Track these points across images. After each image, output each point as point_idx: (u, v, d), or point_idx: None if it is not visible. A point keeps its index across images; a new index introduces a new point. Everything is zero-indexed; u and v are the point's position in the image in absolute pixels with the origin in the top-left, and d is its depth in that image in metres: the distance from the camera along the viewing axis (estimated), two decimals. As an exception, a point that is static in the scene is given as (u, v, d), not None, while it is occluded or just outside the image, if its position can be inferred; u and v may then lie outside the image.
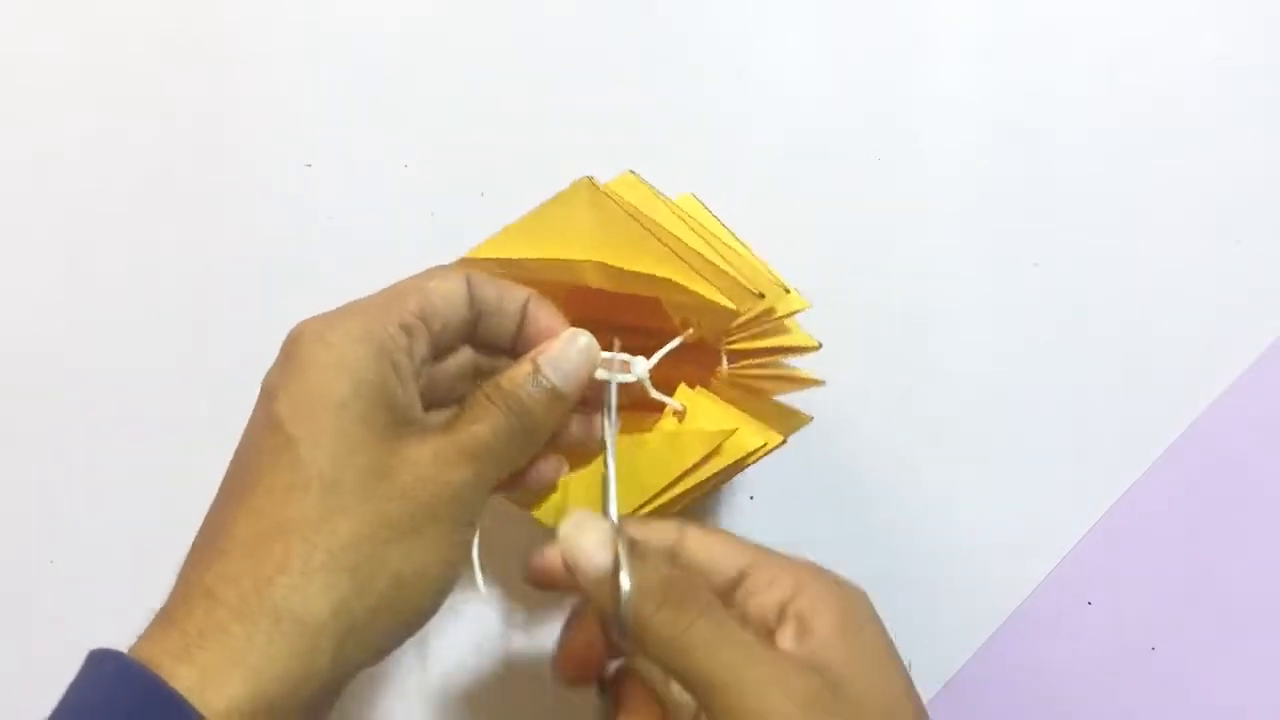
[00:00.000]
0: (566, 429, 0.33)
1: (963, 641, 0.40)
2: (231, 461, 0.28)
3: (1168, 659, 0.40)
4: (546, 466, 0.33)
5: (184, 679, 0.23)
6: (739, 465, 0.34)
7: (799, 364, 0.38)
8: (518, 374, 0.30)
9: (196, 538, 0.27)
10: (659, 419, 0.35)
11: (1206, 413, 0.42)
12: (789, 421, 0.38)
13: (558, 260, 0.33)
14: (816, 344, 0.37)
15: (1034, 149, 0.43)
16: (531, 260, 0.33)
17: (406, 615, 0.27)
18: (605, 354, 0.32)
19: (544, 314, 0.32)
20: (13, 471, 0.40)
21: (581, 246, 0.33)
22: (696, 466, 0.33)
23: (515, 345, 0.32)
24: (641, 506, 0.33)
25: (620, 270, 0.32)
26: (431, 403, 0.31)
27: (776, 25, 0.44)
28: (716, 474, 0.34)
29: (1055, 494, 0.41)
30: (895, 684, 0.27)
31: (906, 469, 0.41)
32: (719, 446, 0.33)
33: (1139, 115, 0.44)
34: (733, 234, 0.37)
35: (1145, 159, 0.44)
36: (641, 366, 0.33)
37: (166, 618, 0.25)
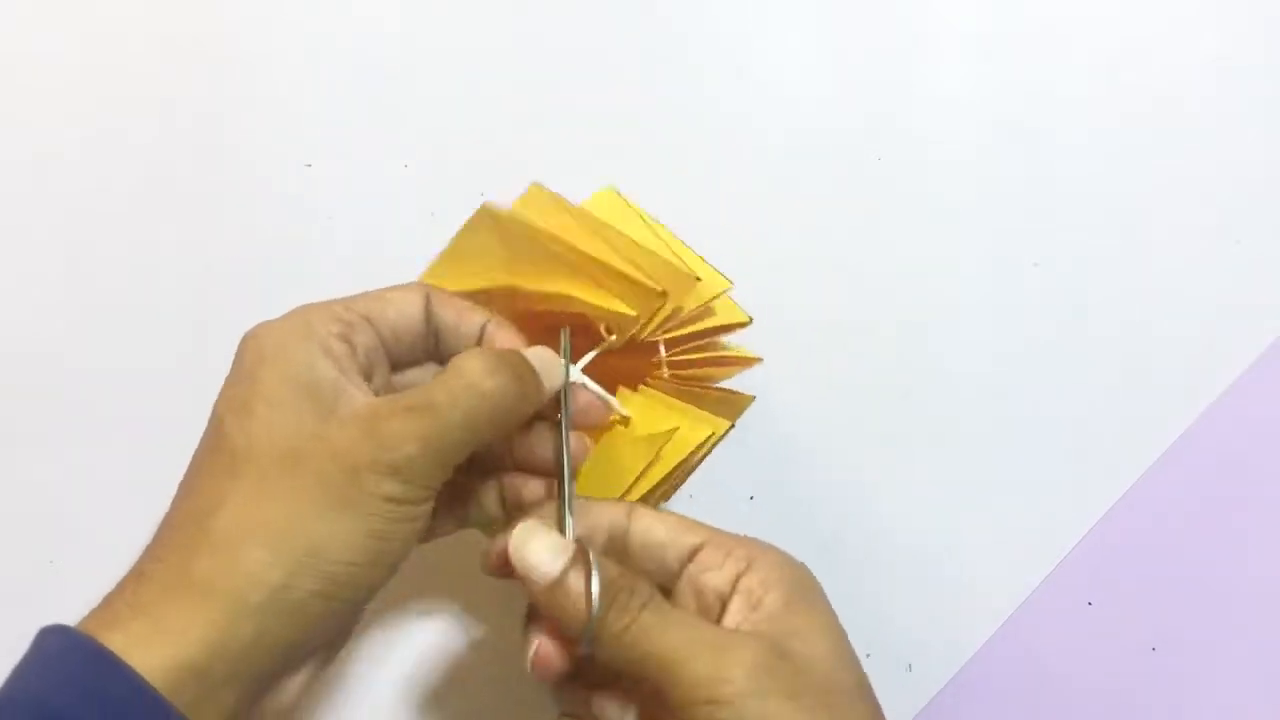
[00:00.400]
0: (522, 440, 0.33)
1: (963, 641, 0.40)
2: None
3: (1168, 659, 0.40)
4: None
5: (114, 643, 0.25)
6: (691, 459, 0.34)
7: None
8: (477, 364, 0.29)
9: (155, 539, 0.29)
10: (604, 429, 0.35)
11: (1206, 413, 0.42)
12: (733, 405, 0.38)
13: (476, 291, 0.33)
14: (747, 319, 0.37)
15: (1034, 149, 0.43)
16: (454, 294, 0.33)
17: (330, 588, 0.27)
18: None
19: (503, 335, 0.32)
20: (13, 472, 0.40)
21: (494, 273, 0.33)
22: (644, 473, 0.33)
23: None
24: None
25: (530, 292, 0.33)
26: None
27: (776, 25, 0.44)
28: (671, 473, 0.34)
29: (1055, 494, 0.41)
30: (840, 653, 0.29)
31: (905, 469, 0.41)
32: (660, 450, 0.33)
33: (1139, 115, 0.44)
34: (651, 224, 0.37)
35: (1145, 159, 0.44)
36: (573, 372, 0.33)
37: (106, 600, 0.27)
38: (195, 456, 0.29)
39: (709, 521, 0.40)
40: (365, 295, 0.31)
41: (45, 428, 0.41)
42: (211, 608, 0.26)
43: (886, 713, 0.40)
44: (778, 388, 0.41)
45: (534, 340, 0.33)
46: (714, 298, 0.36)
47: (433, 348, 0.33)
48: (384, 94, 0.43)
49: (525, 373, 0.30)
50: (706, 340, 0.37)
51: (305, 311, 0.30)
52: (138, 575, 0.27)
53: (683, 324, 0.35)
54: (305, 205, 0.42)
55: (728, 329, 0.38)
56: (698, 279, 0.35)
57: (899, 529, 0.40)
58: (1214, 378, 0.42)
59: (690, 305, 0.35)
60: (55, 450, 0.41)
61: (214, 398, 0.30)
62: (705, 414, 0.35)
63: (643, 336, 0.34)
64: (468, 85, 0.43)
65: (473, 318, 0.32)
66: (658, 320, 0.34)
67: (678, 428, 0.34)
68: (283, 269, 0.42)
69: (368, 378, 0.30)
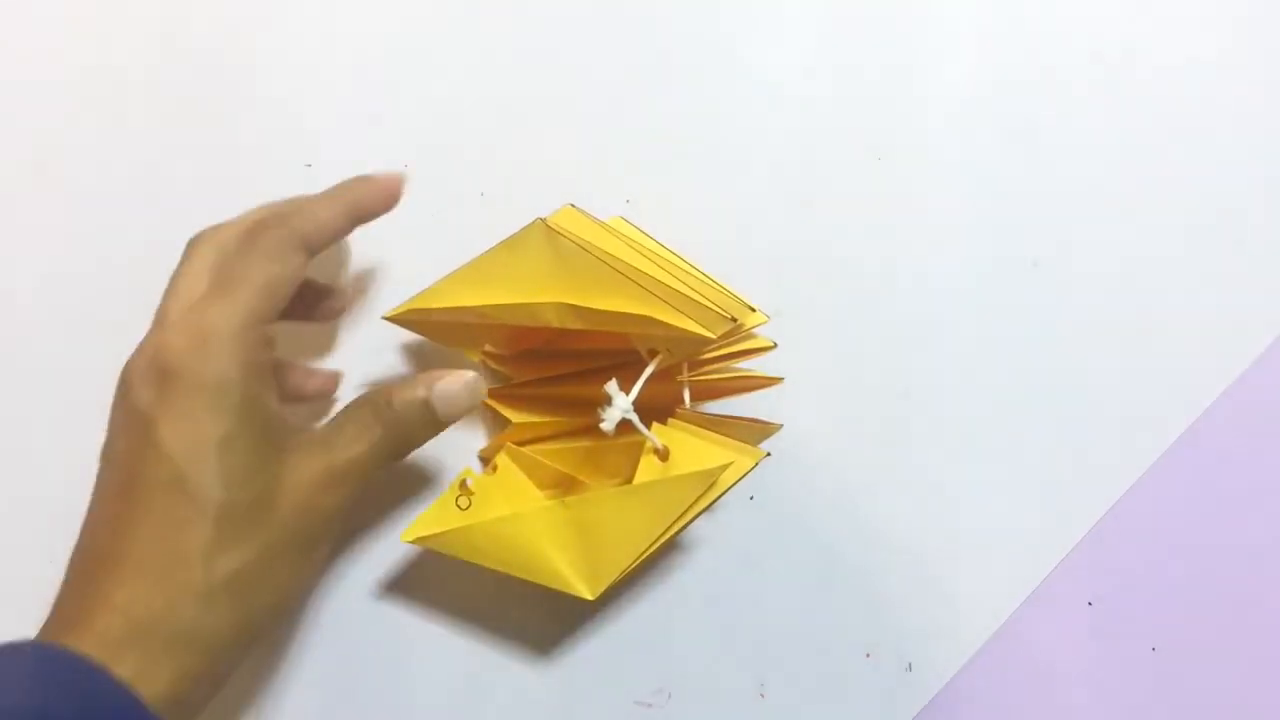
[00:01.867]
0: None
1: (963, 641, 0.40)
2: (111, 478, 0.30)
3: (1168, 659, 0.40)
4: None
5: (127, 665, 0.26)
6: (724, 491, 0.34)
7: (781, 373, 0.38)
8: (409, 398, 0.32)
9: (82, 553, 0.30)
10: (634, 457, 0.34)
11: (1207, 413, 0.42)
12: (762, 433, 0.38)
13: (517, 305, 0.33)
14: (772, 344, 0.37)
15: (1034, 149, 0.43)
16: (489, 306, 0.33)
17: (279, 618, 0.31)
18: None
19: (371, 191, 0.35)
20: (13, 472, 0.40)
21: (542, 289, 0.33)
22: (691, 506, 0.33)
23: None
24: (640, 556, 0.34)
25: (591, 310, 0.32)
26: None
27: (776, 25, 0.44)
28: (709, 500, 0.34)
29: (1055, 494, 0.41)
30: None
31: (905, 469, 0.41)
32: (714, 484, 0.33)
33: (1139, 115, 0.44)
34: (676, 254, 0.37)
35: (1145, 159, 0.44)
36: (623, 400, 0.33)
37: (80, 624, 0.27)
38: (140, 487, 0.29)
39: (709, 522, 0.40)
40: (259, 284, 0.31)
41: (46, 429, 0.41)
42: (199, 653, 0.28)
43: (887, 713, 0.40)
44: (777, 387, 0.41)
45: (525, 347, 0.34)
46: (756, 326, 0.36)
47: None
48: (384, 94, 0.43)
49: (403, 427, 0.32)
50: (726, 364, 0.37)
51: (236, 341, 0.30)
52: (119, 613, 0.27)
53: (716, 348, 0.35)
54: (305, 205, 0.42)
55: (754, 353, 0.38)
56: (752, 308, 0.35)
57: (899, 529, 0.40)
58: (1214, 378, 0.42)
59: (747, 328, 0.35)
60: (56, 451, 0.41)
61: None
62: (743, 445, 0.35)
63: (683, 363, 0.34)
64: (468, 85, 0.43)
65: (337, 223, 0.34)
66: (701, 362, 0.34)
67: (731, 463, 0.34)
68: (283, 269, 0.42)
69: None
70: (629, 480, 0.34)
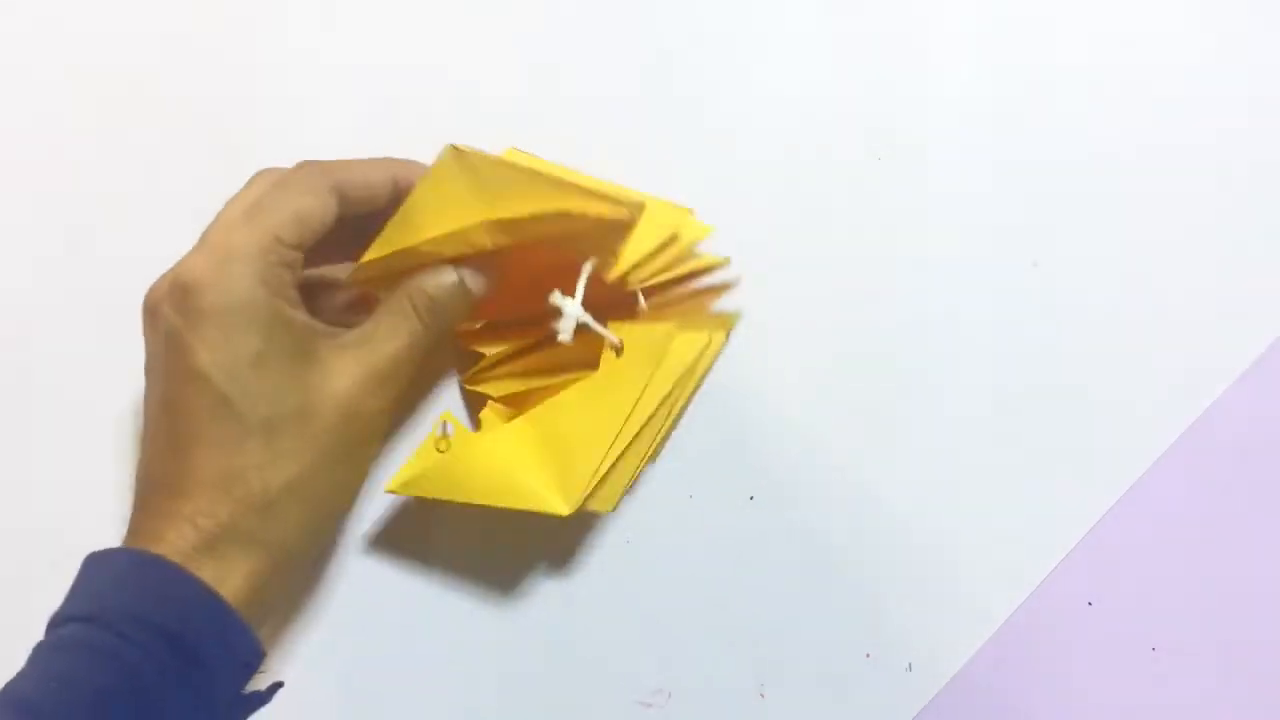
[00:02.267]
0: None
1: (963, 641, 0.40)
2: (157, 399, 0.31)
3: (1168, 659, 0.40)
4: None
5: (206, 571, 0.29)
6: (694, 373, 0.34)
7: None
8: (442, 280, 0.33)
9: (146, 476, 0.31)
10: (588, 360, 0.35)
11: (1206, 413, 0.42)
12: (722, 322, 0.38)
13: (449, 234, 0.33)
14: (725, 259, 0.37)
15: (1034, 149, 0.43)
16: (424, 242, 0.33)
17: (341, 515, 0.35)
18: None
19: (413, 168, 0.35)
20: (14, 472, 0.40)
21: (467, 213, 0.33)
22: (648, 387, 0.34)
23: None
24: (614, 447, 0.34)
25: (511, 220, 0.32)
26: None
27: (775, 25, 0.44)
28: (673, 391, 0.34)
29: (1055, 494, 0.41)
30: None
31: (905, 469, 0.41)
32: (662, 361, 0.34)
33: (1139, 115, 0.44)
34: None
35: (1145, 159, 0.43)
36: (572, 306, 0.33)
37: (155, 536, 0.29)
38: (186, 413, 0.30)
39: (709, 523, 0.40)
40: (282, 213, 0.32)
41: (47, 429, 0.41)
42: (263, 561, 0.30)
43: (887, 713, 0.40)
44: (777, 387, 0.41)
45: (518, 290, 0.34)
46: (693, 242, 0.36)
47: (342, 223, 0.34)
48: (384, 94, 0.43)
49: (439, 312, 0.33)
50: (683, 285, 0.38)
51: (247, 255, 0.31)
52: (190, 524, 0.29)
53: (662, 271, 0.35)
54: (305, 205, 0.42)
55: (707, 270, 0.38)
56: (690, 211, 0.34)
57: (899, 529, 0.40)
58: (1214, 378, 0.42)
59: (686, 239, 0.35)
60: (57, 452, 0.41)
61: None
62: (700, 325, 0.35)
63: (615, 273, 0.34)
64: (468, 85, 0.43)
65: (378, 176, 0.34)
66: (653, 251, 0.34)
67: (672, 334, 0.34)
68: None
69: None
70: None
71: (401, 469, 0.35)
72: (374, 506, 0.39)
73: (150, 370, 0.32)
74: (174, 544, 0.29)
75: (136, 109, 0.43)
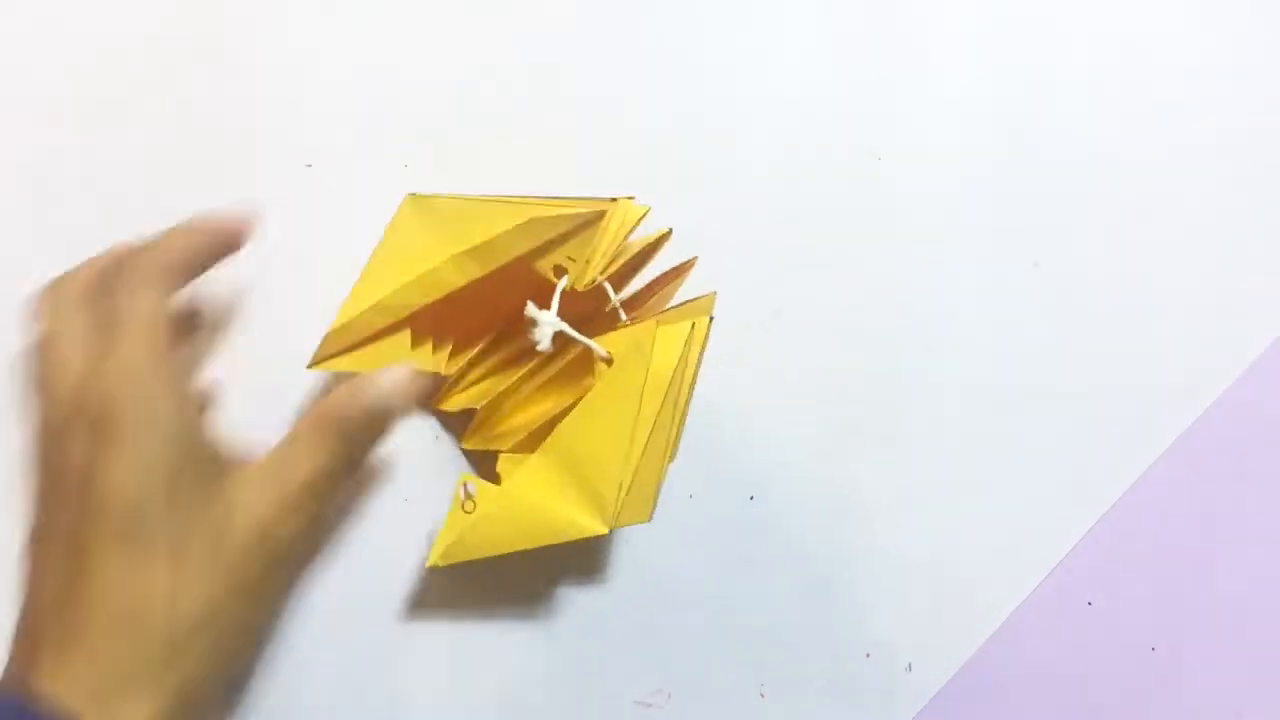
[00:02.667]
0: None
1: (963, 641, 0.40)
2: (52, 534, 0.28)
3: (1168, 659, 0.40)
4: None
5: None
6: (688, 362, 0.34)
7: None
8: (352, 404, 0.31)
9: (37, 612, 0.28)
10: (586, 384, 0.36)
11: (1206, 413, 0.42)
12: (700, 308, 0.38)
13: (418, 278, 0.33)
14: (667, 230, 0.37)
15: (1034, 149, 0.43)
16: (393, 294, 0.34)
17: (249, 652, 0.31)
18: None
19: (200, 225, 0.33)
20: (15, 473, 0.40)
21: (434, 252, 0.33)
22: (646, 385, 0.34)
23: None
24: (631, 452, 0.34)
25: (480, 245, 0.33)
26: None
27: (775, 25, 0.44)
28: (674, 378, 0.34)
29: (1055, 494, 0.41)
30: None
31: (906, 468, 0.41)
32: (650, 359, 0.33)
33: (1139, 115, 0.44)
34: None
35: (1145, 159, 0.44)
36: (548, 315, 0.34)
37: (43, 676, 0.27)
38: (89, 533, 0.27)
39: (709, 523, 0.40)
40: (132, 304, 0.30)
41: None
42: (161, 695, 0.27)
43: (887, 713, 0.40)
44: (777, 387, 0.41)
45: (456, 337, 0.34)
46: (637, 222, 0.36)
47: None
48: (384, 94, 0.43)
49: (351, 436, 0.31)
50: (643, 267, 0.38)
51: (165, 368, 0.29)
52: (89, 660, 0.27)
53: (615, 258, 0.35)
54: (305, 205, 0.42)
55: (656, 247, 0.38)
56: (614, 199, 0.35)
57: (898, 529, 0.40)
58: (1214, 378, 0.42)
59: (627, 222, 0.35)
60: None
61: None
62: (679, 323, 0.35)
63: (588, 279, 0.34)
64: (468, 85, 0.43)
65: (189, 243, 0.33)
66: (605, 250, 0.34)
67: (653, 330, 0.34)
68: (283, 268, 0.42)
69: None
70: None
71: (436, 541, 0.34)
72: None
73: (40, 508, 0.29)
74: (67, 687, 0.26)
75: (136, 109, 0.43)
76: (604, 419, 0.34)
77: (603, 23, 0.44)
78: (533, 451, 0.36)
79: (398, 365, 0.32)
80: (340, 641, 0.39)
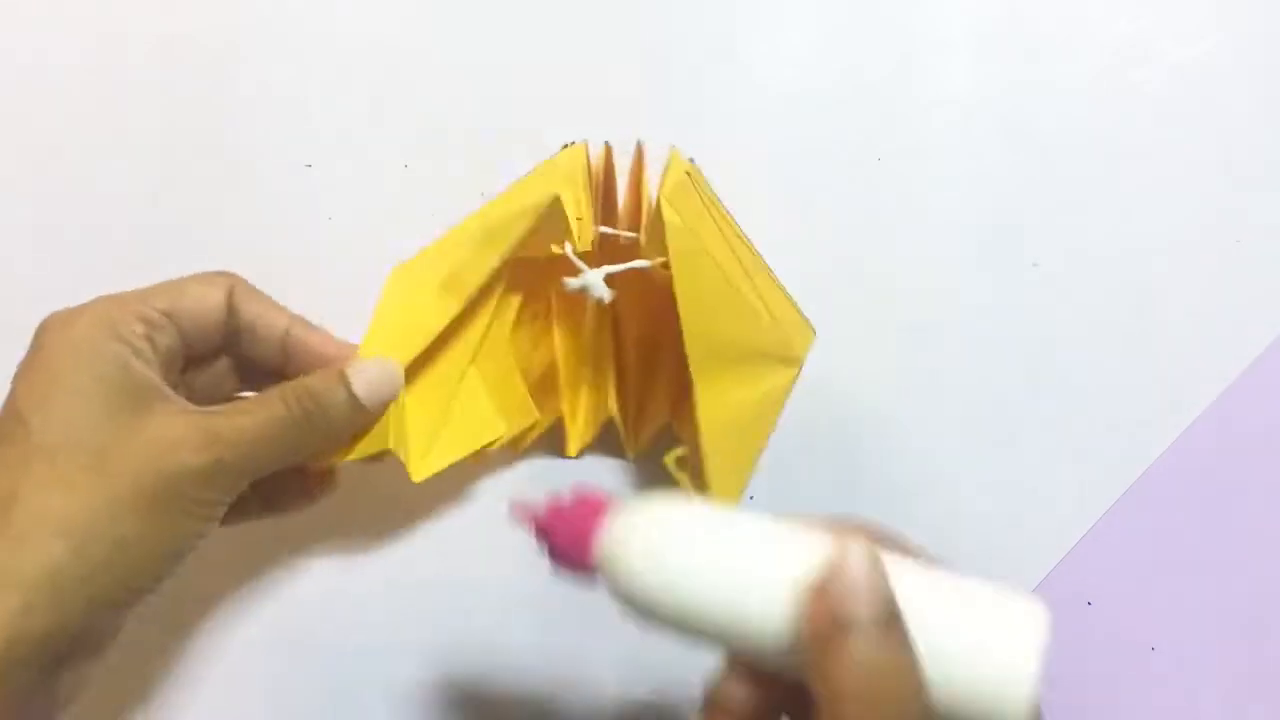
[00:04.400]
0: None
1: (963, 641, 0.40)
2: None
3: (1168, 659, 0.40)
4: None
5: None
6: (710, 201, 0.34)
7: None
8: (322, 378, 0.31)
9: None
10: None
11: (1206, 413, 0.42)
12: (673, 168, 0.37)
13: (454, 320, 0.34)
14: (605, 146, 0.36)
15: (1034, 149, 0.43)
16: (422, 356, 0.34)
17: (128, 580, 0.28)
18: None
19: (313, 338, 0.33)
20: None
21: (438, 308, 0.34)
22: (705, 240, 0.33)
23: (284, 370, 0.33)
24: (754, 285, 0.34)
25: (477, 274, 0.34)
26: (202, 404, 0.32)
27: (775, 25, 0.44)
28: (719, 215, 0.34)
29: (1055, 494, 0.41)
30: None
31: (905, 469, 0.41)
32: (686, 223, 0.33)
33: (1139, 115, 0.44)
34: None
35: (1145, 159, 0.44)
36: (592, 274, 0.33)
37: None
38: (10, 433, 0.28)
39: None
40: (165, 288, 0.31)
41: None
42: (11, 597, 0.26)
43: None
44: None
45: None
46: (587, 161, 0.36)
47: (233, 343, 0.33)
48: (384, 94, 0.43)
49: (319, 412, 0.30)
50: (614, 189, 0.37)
51: (107, 308, 0.30)
52: None
53: (593, 201, 0.36)
54: (305, 205, 0.42)
55: (611, 169, 0.37)
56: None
57: (898, 529, 0.40)
58: (1213, 378, 0.42)
59: (580, 185, 0.35)
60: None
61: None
62: (671, 185, 0.34)
63: (586, 239, 0.34)
64: (468, 85, 0.43)
65: (275, 319, 0.33)
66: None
67: (663, 205, 0.33)
68: (283, 269, 0.42)
69: (165, 376, 0.31)
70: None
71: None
72: (378, 504, 0.39)
73: None
74: None
75: (136, 109, 0.43)
76: (712, 304, 0.33)
77: (603, 23, 0.44)
78: (684, 421, 0.36)
79: (381, 357, 0.32)
80: (339, 640, 0.39)
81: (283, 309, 0.33)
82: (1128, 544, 0.41)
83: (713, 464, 0.34)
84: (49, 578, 0.27)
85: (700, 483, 0.34)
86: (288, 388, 0.31)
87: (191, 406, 0.30)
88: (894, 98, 0.44)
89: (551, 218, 0.33)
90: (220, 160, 0.42)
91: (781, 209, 0.43)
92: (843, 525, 0.26)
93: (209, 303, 0.32)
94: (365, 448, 0.32)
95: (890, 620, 0.22)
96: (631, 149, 0.36)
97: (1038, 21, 0.44)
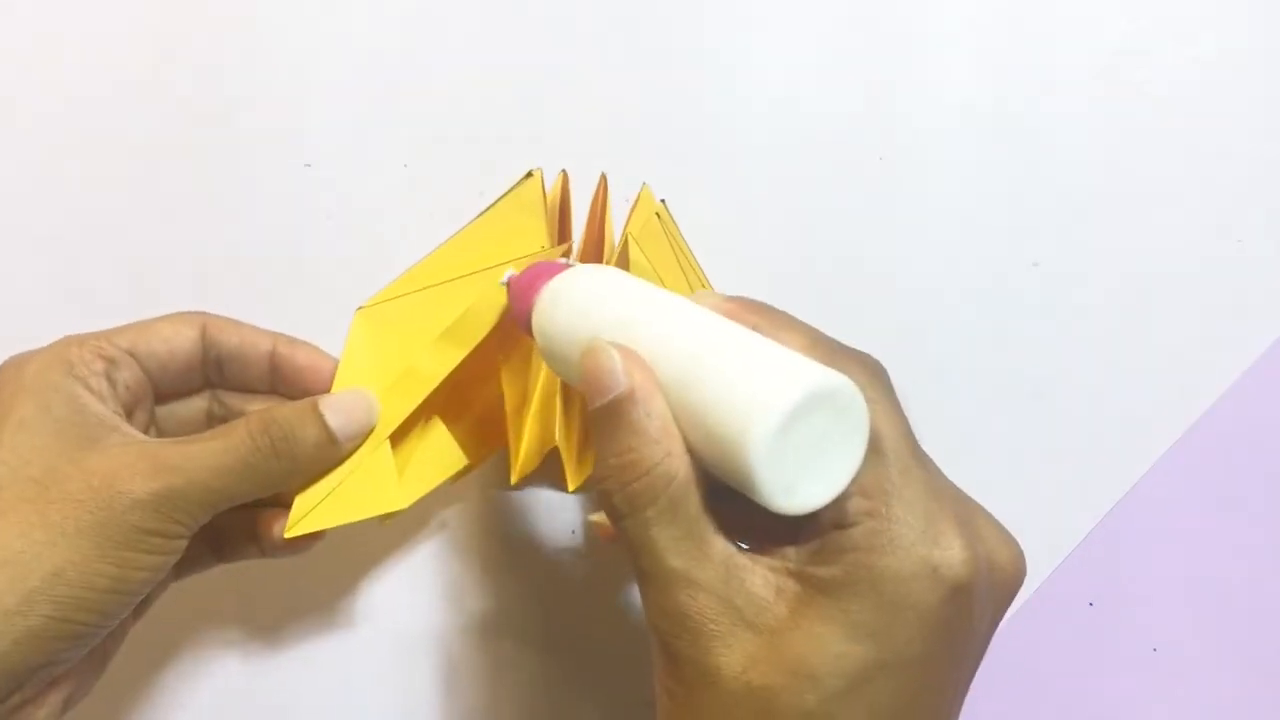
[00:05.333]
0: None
1: (963, 641, 0.40)
2: None
3: (1168, 659, 0.40)
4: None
5: None
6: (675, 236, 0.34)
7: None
8: (293, 409, 0.30)
9: None
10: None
11: (1207, 413, 0.42)
12: (643, 208, 0.37)
13: (399, 380, 0.33)
14: (561, 173, 0.36)
15: (1034, 148, 0.43)
16: (389, 401, 0.33)
17: (69, 614, 0.27)
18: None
19: (301, 353, 0.32)
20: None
21: (404, 354, 0.33)
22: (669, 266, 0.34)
23: (276, 389, 0.33)
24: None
25: (449, 329, 0.33)
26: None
27: (775, 25, 0.44)
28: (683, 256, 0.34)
29: (1055, 494, 0.41)
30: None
31: (907, 469, 0.41)
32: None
33: (1139, 115, 0.44)
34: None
35: (1145, 158, 0.43)
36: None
37: None
38: None
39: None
40: (131, 327, 0.31)
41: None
42: None
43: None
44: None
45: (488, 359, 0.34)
46: (543, 189, 0.35)
47: (216, 375, 0.32)
48: (384, 94, 0.43)
49: (284, 445, 0.30)
50: (570, 215, 0.37)
51: (65, 348, 0.30)
52: None
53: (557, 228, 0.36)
54: (305, 205, 0.42)
55: (566, 195, 0.37)
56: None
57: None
58: (1214, 378, 0.42)
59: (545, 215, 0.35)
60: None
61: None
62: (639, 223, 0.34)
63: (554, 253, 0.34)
64: (467, 85, 0.43)
65: (258, 342, 0.32)
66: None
67: (629, 243, 0.33)
68: (283, 269, 0.42)
69: (129, 415, 0.30)
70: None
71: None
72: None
73: None
74: None
75: (136, 108, 0.43)
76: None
77: (602, 22, 0.44)
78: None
79: (358, 389, 0.32)
80: (338, 639, 0.39)
81: (263, 331, 0.33)
82: (1128, 544, 0.41)
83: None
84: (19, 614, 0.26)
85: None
86: (253, 417, 0.30)
87: (144, 437, 0.29)
88: (894, 98, 0.44)
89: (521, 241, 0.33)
90: (220, 160, 0.42)
91: (781, 209, 0.43)
92: (738, 299, 0.27)
93: (178, 340, 0.31)
94: (372, 507, 0.32)
95: (622, 402, 0.23)
96: (597, 176, 0.36)
97: (1038, 21, 0.44)
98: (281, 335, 0.33)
